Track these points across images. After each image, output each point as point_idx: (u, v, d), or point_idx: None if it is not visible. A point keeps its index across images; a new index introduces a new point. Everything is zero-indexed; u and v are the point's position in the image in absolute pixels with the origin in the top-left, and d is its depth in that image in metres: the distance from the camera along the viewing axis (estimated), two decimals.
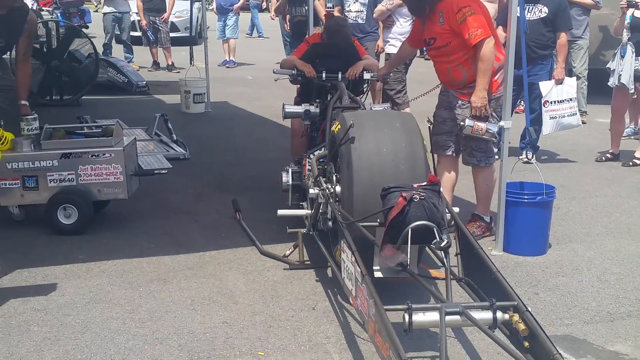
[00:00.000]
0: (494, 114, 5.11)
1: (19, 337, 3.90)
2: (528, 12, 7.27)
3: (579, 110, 7.98)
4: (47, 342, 3.85)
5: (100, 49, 12.57)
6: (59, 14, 16.55)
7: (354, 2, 8.57)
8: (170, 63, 14.50)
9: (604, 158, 7.83)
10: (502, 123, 5.01)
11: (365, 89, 5.98)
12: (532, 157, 6.74)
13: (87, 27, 13.24)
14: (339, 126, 4.34)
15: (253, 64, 16.07)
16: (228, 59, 15.58)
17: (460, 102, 5.17)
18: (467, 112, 5.10)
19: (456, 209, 4.07)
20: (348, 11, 8.56)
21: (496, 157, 6.18)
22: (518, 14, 5.16)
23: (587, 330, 4.07)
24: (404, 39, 8.12)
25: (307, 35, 7.98)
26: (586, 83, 9.77)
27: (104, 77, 11.42)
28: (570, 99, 7.40)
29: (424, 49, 5.81)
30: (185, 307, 4.28)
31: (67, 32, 10.91)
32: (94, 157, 5.37)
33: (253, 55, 16.93)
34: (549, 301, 4.42)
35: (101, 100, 11.06)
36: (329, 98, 5.53)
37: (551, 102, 7.32)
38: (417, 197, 3.38)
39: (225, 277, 4.72)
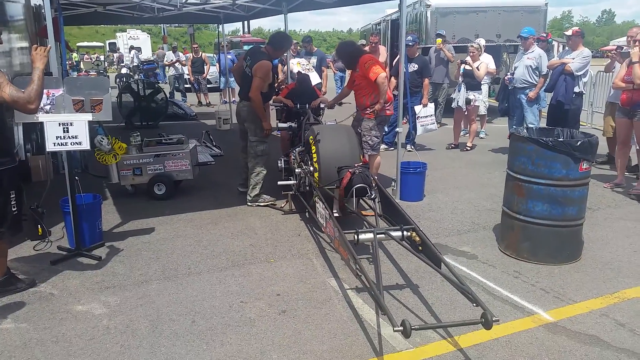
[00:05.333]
0: (378, 126, 4.99)
1: (135, 258, 3.84)
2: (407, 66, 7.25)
3: (436, 121, 8.01)
4: (152, 260, 3.80)
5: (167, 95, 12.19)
6: (142, 75, 16.02)
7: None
8: (208, 102, 13.98)
9: (450, 147, 7.92)
10: (398, 129, 5.02)
11: (321, 113, 5.92)
12: (412, 148, 6.77)
13: (159, 83, 12.80)
14: (311, 136, 4.29)
15: None
16: (233, 99, 15.04)
17: (363, 119, 5.03)
18: (366, 123, 4.95)
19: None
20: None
21: (385, 146, 6.05)
22: (404, 70, 5.15)
23: (447, 240, 4.14)
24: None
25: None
26: (443, 106, 9.75)
27: (170, 111, 11.07)
28: (431, 115, 7.42)
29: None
30: (228, 237, 4.24)
31: (148, 84, 10.59)
32: (173, 155, 5.26)
33: None
34: (425, 225, 4.46)
35: (169, 124, 10.69)
36: (301, 118, 5.46)
37: (421, 117, 7.35)
38: (357, 171, 3.38)
39: (249, 220, 4.68)
